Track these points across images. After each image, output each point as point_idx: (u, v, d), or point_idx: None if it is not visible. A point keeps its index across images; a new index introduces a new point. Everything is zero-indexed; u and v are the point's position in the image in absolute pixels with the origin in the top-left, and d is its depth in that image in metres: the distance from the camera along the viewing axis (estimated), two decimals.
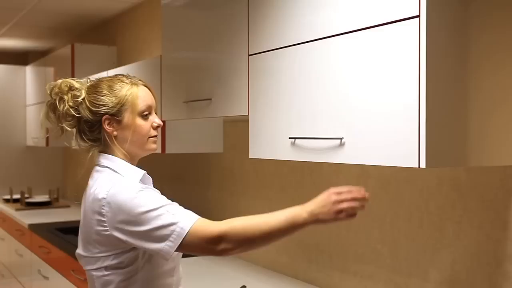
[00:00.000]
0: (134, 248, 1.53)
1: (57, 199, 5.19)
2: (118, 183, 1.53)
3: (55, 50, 5.56)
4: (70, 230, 3.80)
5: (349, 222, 2.22)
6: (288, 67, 1.84)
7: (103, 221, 1.50)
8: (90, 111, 1.61)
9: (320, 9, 1.71)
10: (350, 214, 1.42)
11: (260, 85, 1.98)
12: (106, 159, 1.62)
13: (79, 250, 1.63)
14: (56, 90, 1.64)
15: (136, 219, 1.45)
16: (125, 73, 1.71)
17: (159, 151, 2.85)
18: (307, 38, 1.75)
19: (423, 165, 1.39)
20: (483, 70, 1.49)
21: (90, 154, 1.65)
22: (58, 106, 1.63)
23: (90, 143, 1.65)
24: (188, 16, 2.47)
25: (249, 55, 2.03)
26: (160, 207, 1.47)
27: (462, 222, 1.80)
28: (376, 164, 1.53)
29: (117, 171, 1.59)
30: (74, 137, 1.67)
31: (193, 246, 1.44)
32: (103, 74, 3.62)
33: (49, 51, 5.79)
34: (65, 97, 1.62)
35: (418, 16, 1.39)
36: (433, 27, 1.39)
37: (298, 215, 1.42)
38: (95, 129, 1.62)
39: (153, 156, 3.83)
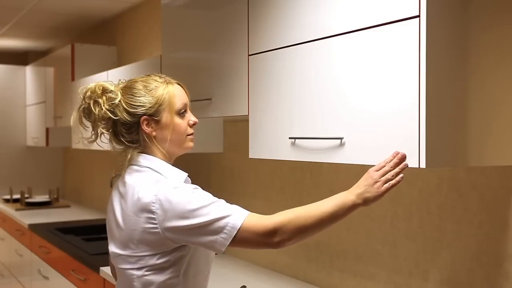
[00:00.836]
0: (180, 248, 1.52)
1: (57, 199, 5.19)
2: (166, 183, 1.52)
3: (55, 50, 5.56)
4: (70, 230, 3.80)
5: (349, 222, 2.22)
6: (288, 67, 1.84)
7: (153, 219, 1.48)
8: (128, 112, 1.58)
9: (320, 9, 1.71)
10: (397, 180, 1.44)
11: (260, 85, 1.98)
12: (145, 159, 1.60)
13: (115, 249, 1.60)
14: (89, 93, 1.61)
15: (189, 215, 1.45)
16: (158, 74, 1.68)
17: None
18: (307, 38, 1.75)
19: (423, 165, 1.39)
20: (483, 70, 1.49)
21: (129, 156, 1.60)
22: (93, 110, 1.59)
23: (128, 144, 1.61)
24: (188, 16, 2.47)
25: (249, 55, 2.03)
26: (212, 203, 1.48)
27: (462, 222, 1.80)
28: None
29: (160, 172, 1.57)
30: (109, 140, 1.64)
31: (247, 240, 1.45)
32: (103, 74, 3.62)
33: (49, 51, 5.79)
34: (100, 100, 1.59)
35: (418, 16, 1.39)
36: (433, 27, 1.39)
37: (347, 199, 1.47)
38: (133, 130, 1.60)
39: None
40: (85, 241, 3.36)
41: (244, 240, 1.45)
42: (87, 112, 1.63)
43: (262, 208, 2.75)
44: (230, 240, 1.44)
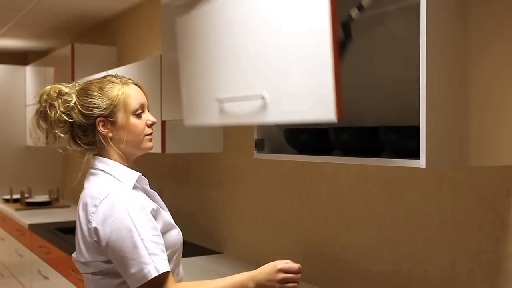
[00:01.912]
0: None
1: (57, 199, 5.19)
2: (113, 196, 1.51)
3: (55, 50, 5.56)
4: (70, 230, 3.79)
5: (349, 222, 2.23)
6: (211, 25, 1.82)
7: (90, 228, 1.51)
8: (83, 114, 1.59)
9: None
10: None
11: (188, 47, 1.96)
12: (100, 162, 1.61)
13: (74, 255, 1.63)
14: (45, 97, 1.62)
15: (117, 243, 1.46)
16: (114, 74, 1.69)
17: (158, 150, 2.85)
18: None
19: (423, 165, 1.39)
20: (483, 70, 1.49)
21: (85, 158, 1.62)
22: (49, 113, 1.61)
23: (85, 147, 1.62)
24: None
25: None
26: (144, 240, 1.46)
27: (462, 222, 1.80)
28: (298, 121, 1.61)
29: (112, 174, 1.58)
30: (68, 143, 1.65)
31: None
32: (103, 74, 3.62)
33: (49, 51, 5.79)
34: (56, 103, 1.60)
35: None
36: (433, 26, 1.39)
37: (245, 285, 1.49)
38: (89, 132, 1.60)
39: (153, 156, 3.86)
40: None
41: None
42: (43, 116, 1.64)
43: (262, 208, 2.75)
44: (140, 285, 1.45)
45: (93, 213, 1.51)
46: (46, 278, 3.65)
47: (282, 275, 1.50)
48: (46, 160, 5.62)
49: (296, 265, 1.53)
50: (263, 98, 1.68)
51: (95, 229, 1.50)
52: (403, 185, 2.00)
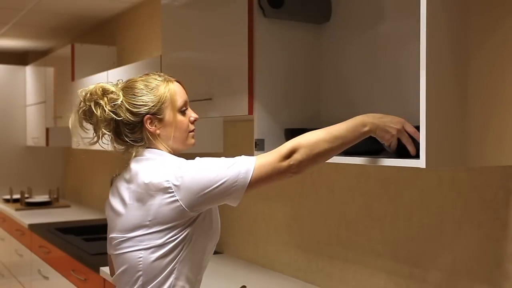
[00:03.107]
0: (188, 226, 1.54)
1: (57, 199, 5.19)
2: (174, 161, 1.57)
3: (55, 50, 5.56)
4: (70, 230, 3.80)
5: (349, 222, 2.23)
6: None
7: (171, 193, 1.50)
8: (131, 112, 1.59)
9: None
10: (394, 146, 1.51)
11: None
12: (152, 153, 1.61)
13: (118, 234, 1.59)
14: (89, 96, 1.61)
15: (205, 183, 1.50)
16: (156, 71, 1.70)
17: None
18: None
19: (423, 165, 1.39)
20: (483, 69, 1.49)
21: (135, 151, 1.61)
22: (95, 111, 1.59)
23: (132, 144, 1.62)
24: (188, 16, 2.47)
25: None
26: (220, 165, 1.55)
27: (462, 222, 1.80)
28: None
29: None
30: (110, 141, 1.65)
31: (264, 177, 1.50)
32: (103, 74, 3.62)
33: (49, 51, 5.79)
34: (102, 101, 1.59)
35: None
36: (433, 27, 1.39)
37: (361, 124, 1.50)
38: (137, 130, 1.61)
39: None
40: (85, 241, 3.36)
41: (261, 177, 1.50)
42: (88, 114, 1.62)
43: (262, 208, 2.75)
44: (247, 185, 1.49)
45: (167, 180, 1.51)
46: (46, 278, 3.65)
47: (406, 125, 1.50)
48: (46, 160, 5.62)
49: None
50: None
51: (179, 184, 1.50)
52: (403, 185, 2.00)
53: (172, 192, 1.50)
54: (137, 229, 1.56)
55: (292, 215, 2.55)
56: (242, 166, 1.51)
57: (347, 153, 1.74)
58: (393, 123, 1.50)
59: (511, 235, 1.66)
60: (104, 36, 4.68)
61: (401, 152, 1.54)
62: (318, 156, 1.50)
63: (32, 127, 5.27)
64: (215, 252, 3.06)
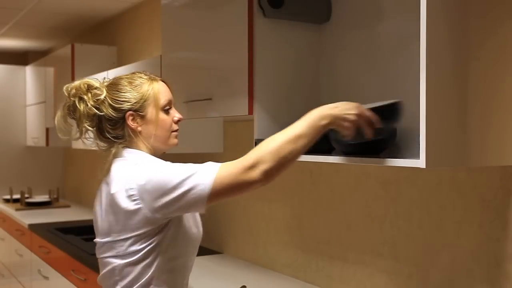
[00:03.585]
0: (158, 233, 1.54)
1: (57, 199, 5.19)
2: (143, 164, 1.55)
3: (55, 50, 5.56)
4: (70, 230, 3.80)
5: (349, 222, 2.22)
6: None
7: (135, 200, 1.50)
8: (113, 108, 1.60)
9: None
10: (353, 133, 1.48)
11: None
12: (130, 153, 1.62)
13: (99, 239, 1.62)
14: (74, 91, 1.63)
15: (169, 190, 1.47)
16: (142, 71, 1.71)
17: None
18: None
19: (423, 165, 1.39)
20: (483, 69, 1.49)
21: (114, 150, 1.63)
22: (78, 107, 1.62)
23: (113, 140, 1.63)
24: (188, 16, 2.47)
25: None
26: (182, 171, 1.49)
27: (462, 222, 1.80)
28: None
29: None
30: (93, 137, 1.66)
31: (228, 185, 1.46)
32: (103, 74, 3.62)
33: (49, 51, 5.79)
34: (85, 97, 1.61)
35: None
36: (433, 26, 1.39)
37: (319, 118, 1.46)
38: (118, 126, 1.62)
39: None
40: (85, 241, 3.36)
41: (225, 187, 1.45)
42: (72, 110, 1.64)
43: (262, 208, 2.75)
44: (209, 192, 1.45)
45: (132, 180, 1.51)
46: (46, 278, 3.65)
47: (363, 110, 1.47)
48: (46, 160, 5.62)
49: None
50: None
51: (141, 190, 1.49)
52: (403, 185, 2.00)
53: (137, 200, 1.50)
54: (108, 235, 1.58)
55: (292, 215, 2.55)
56: (202, 177, 1.46)
57: (347, 153, 1.75)
58: (350, 110, 1.46)
59: (511, 235, 1.66)
60: (104, 36, 4.68)
61: (360, 137, 1.51)
62: (284, 161, 1.44)
63: (32, 127, 5.27)
64: (215, 252, 3.07)
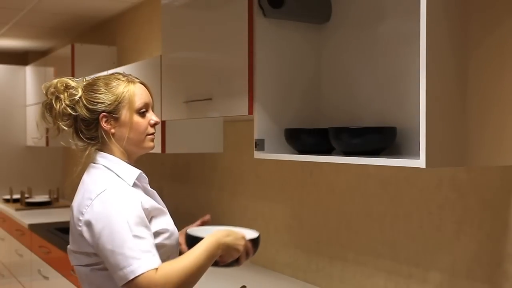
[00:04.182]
0: None
1: (57, 199, 5.19)
2: (109, 192, 1.51)
3: (55, 50, 5.56)
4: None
5: (349, 222, 2.22)
6: None
7: (80, 221, 1.53)
8: (87, 109, 1.60)
9: None
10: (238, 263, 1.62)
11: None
12: (102, 157, 1.62)
13: (69, 246, 1.64)
14: (52, 89, 1.64)
15: (107, 238, 1.46)
16: (122, 72, 1.71)
17: (158, 150, 2.85)
18: None
19: (423, 165, 1.39)
20: (483, 69, 1.49)
21: (87, 152, 1.63)
22: (55, 105, 1.62)
23: (87, 141, 1.63)
24: (188, 16, 2.47)
25: None
26: (129, 246, 1.45)
27: (462, 222, 1.80)
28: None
29: (113, 170, 1.59)
30: (71, 137, 1.67)
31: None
32: (103, 74, 3.62)
33: (49, 51, 5.79)
34: (62, 96, 1.62)
35: None
36: (433, 26, 1.39)
37: (215, 247, 1.55)
38: (92, 127, 1.62)
39: (153, 156, 3.85)
40: None
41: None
42: (48, 108, 1.65)
43: (262, 208, 2.75)
44: (126, 282, 1.43)
45: (87, 206, 1.52)
46: (46, 278, 3.65)
47: (247, 242, 1.62)
48: (46, 160, 5.62)
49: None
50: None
51: (87, 222, 1.50)
52: (403, 185, 2.00)
53: (81, 227, 1.52)
54: (74, 243, 1.59)
55: (292, 215, 2.55)
56: (135, 266, 1.43)
57: (347, 153, 1.75)
58: (239, 240, 1.60)
59: (511, 235, 1.66)
60: (104, 36, 4.68)
61: (231, 263, 1.63)
62: (186, 285, 1.48)
63: (32, 127, 5.27)
64: None
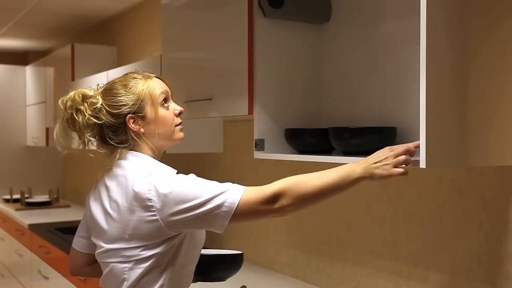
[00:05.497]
0: (169, 240, 1.50)
1: (57, 199, 5.19)
2: (160, 173, 1.51)
3: (55, 50, 5.56)
4: (70, 230, 3.79)
5: (349, 222, 2.22)
6: None
7: (151, 207, 1.46)
8: (112, 114, 1.57)
9: None
10: (404, 171, 1.41)
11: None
12: (134, 156, 1.58)
13: (104, 244, 1.57)
14: (70, 103, 1.61)
15: (187, 198, 1.45)
16: (135, 70, 1.68)
17: None
18: None
19: (423, 165, 1.39)
20: (483, 69, 1.49)
21: (118, 154, 1.58)
22: (77, 118, 1.59)
23: (118, 145, 1.59)
24: (188, 16, 2.47)
25: None
26: (207, 184, 1.48)
27: (462, 222, 1.80)
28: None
29: (150, 166, 1.56)
30: (96, 146, 1.64)
31: (249, 211, 1.45)
32: (103, 74, 3.62)
33: (49, 51, 5.79)
34: (82, 107, 1.59)
35: None
36: (433, 26, 1.39)
37: (353, 171, 1.42)
38: (121, 131, 1.59)
39: None
40: None
41: (246, 212, 1.45)
42: (71, 122, 1.62)
43: None
44: (232, 214, 1.44)
45: (149, 190, 1.47)
46: (46, 278, 3.65)
47: (391, 153, 1.42)
48: (46, 160, 5.62)
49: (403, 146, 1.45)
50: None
51: (158, 209, 1.46)
52: (403, 185, 2.00)
53: (154, 210, 1.47)
54: (117, 241, 1.53)
55: (292, 215, 2.55)
56: (229, 196, 1.45)
57: (347, 153, 1.75)
58: (382, 156, 1.42)
59: (511, 235, 1.66)
60: (104, 36, 4.68)
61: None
62: (305, 203, 1.45)
63: (32, 127, 5.27)
64: None
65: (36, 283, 3.92)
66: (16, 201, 5.07)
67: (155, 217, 1.46)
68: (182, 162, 3.47)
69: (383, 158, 1.42)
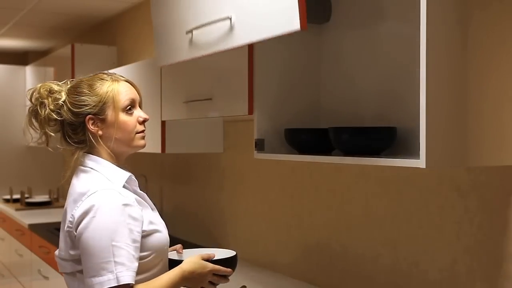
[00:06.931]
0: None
1: (57, 199, 5.19)
2: (101, 198, 1.48)
3: (55, 50, 5.56)
4: None
5: (349, 222, 2.22)
6: None
7: (71, 221, 1.50)
8: (72, 112, 1.57)
9: None
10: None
11: None
12: (91, 160, 1.58)
13: (56, 252, 1.60)
14: (36, 95, 1.61)
15: (91, 240, 1.44)
16: (106, 71, 1.67)
17: (158, 150, 2.85)
18: None
19: (423, 165, 1.39)
20: (483, 69, 1.49)
21: (75, 156, 1.59)
22: (40, 111, 1.59)
23: (76, 145, 1.59)
24: None
25: None
26: (116, 246, 1.43)
27: (462, 222, 1.80)
28: (265, 37, 1.71)
29: (102, 173, 1.55)
30: (59, 142, 1.63)
31: None
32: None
33: (49, 51, 5.79)
34: (46, 101, 1.59)
35: None
36: (433, 26, 1.39)
37: (181, 275, 1.53)
38: (79, 130, 1.58)
39: (153, 156, 3.85)
40: None
41: None
42: (34, 114, 1.62)
43: (262, 208, 2.75)
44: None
45: (77, 207, 1.49)
46: (46, 278, 3.65)
47: (212, 266, 1.59)
48: (46, 160, 5.61)
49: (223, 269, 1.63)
50: (230, 19, 1.81)
51: (76, 222, 1.47)
52: (403, 185, 2.00)
53: (71, 228, 1.50)
54: (61, 251, 1.56)
55: (292, 215, 2.55)
56: (111, 278, 1.41)
57: (347, 153, 1.75)
58: (203, 268, 1.58)
59: (511, 235, 1.66)
60: (104, 36, 4.68)
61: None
62: None
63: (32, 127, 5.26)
64: None
65: (36, 283, 3.92)
66: (16, 201, 5.07)
67: (73, 233, 1.50)
68: (182, 162, 3.47)
69: (204, 275, 1.59)
